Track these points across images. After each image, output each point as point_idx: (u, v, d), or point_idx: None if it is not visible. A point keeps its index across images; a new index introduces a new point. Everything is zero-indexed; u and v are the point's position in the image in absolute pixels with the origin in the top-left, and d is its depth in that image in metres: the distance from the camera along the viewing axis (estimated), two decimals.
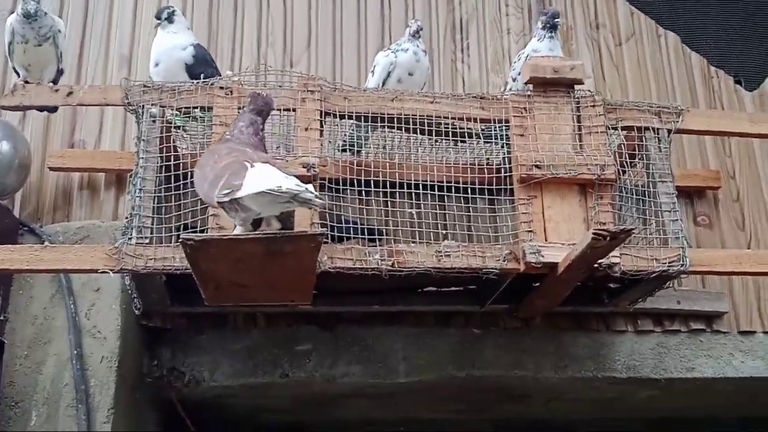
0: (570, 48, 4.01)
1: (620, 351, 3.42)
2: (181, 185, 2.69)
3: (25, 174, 3.27)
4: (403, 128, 2.96)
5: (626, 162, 2.99)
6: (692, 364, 3.45)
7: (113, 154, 3.44)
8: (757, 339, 3.54)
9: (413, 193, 2.88)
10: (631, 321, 3.45)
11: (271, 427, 4.05)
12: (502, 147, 3.00)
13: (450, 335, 3.34)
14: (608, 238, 2.43)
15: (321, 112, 2.84)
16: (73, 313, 2.96)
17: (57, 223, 3.29)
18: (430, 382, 3.32)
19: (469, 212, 2.99)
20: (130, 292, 2.88)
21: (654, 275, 2.80)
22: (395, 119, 2.91)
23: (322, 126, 2.86)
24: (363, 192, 2.85)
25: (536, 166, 2.82)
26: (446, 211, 2.97)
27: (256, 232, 2.31)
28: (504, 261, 2.75)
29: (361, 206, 2.85)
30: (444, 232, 2.95)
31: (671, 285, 3.02)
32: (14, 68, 3.29)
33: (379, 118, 2.92)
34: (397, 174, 2.88)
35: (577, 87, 3.00)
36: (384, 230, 2.93)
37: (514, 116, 2.93)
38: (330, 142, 3.10)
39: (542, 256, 2.72)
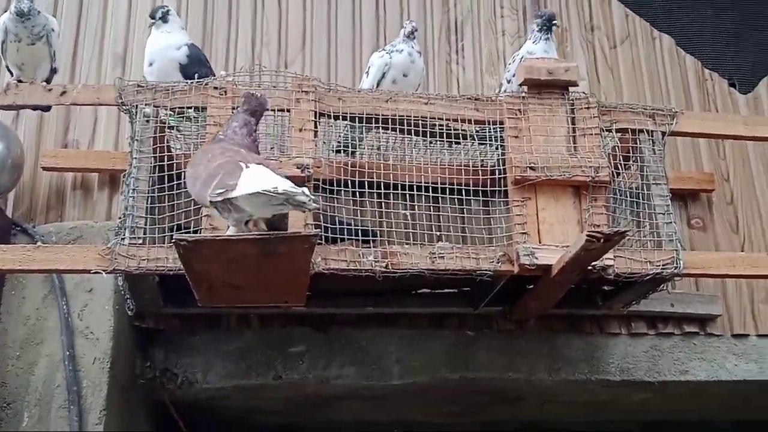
0: (565, 50, 4.02)
1: (614, 353, 3.42)
2: (175, 185, 2.68)
3: (18, 174, 3.26)
4: (398, 129, 2.96)
5: (620, 164, 3.00)
6: (686, 367, 3.45)
7: (107, 154, 3.43)
8: (750, 342, 3.54)
9: (407, 195, 2.87)
10: (625, 324, 3.45)
11: (264, 429, 4.04)
12: (497, 148, 3.00)
13: (444, 337, 3.34)
14: (602, 241, 2.43)
15: (315, 112, 2.84)
16: (65, 314, 2.95)
17: (50, 223, 3.28)
18: (424, 384, 3.31)
19: (464, 214, 2.98)
20: (123, 292, 2.87)
21: (648, 278, 2.80)
22: (390, 120, 2.91)
23: (316, 127, 2.85)
24: (357, 193, 2.85)
25: (530, 168, 2.82)
26: (440, 213, 2.97)
27: (250, 233, 2.30)
28: (498, 263, 2.75)
29: (355, 207, 2.84)
30: (438, 233, 2.95)
31: (665, 288, 3.02)
32: (7, 67, 3.27)
33: (373, 119, 2.92)
34: (391, 175, 2.88)
35: (571, 89, 3.00)
36: (378, 232, 2.92)
37: (508, 118, 2.93)
38: (324, 143, 3.09)
39: (536, 258, 2.72)
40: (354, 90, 3.05)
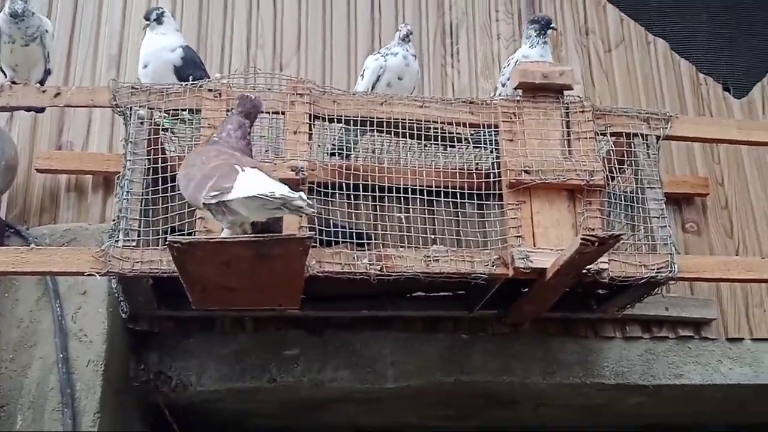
0: (560, 54, 4.02)
1: (608, 357, 3.42)
2: (169, 188, 2.68)
3: (11, 176, 3.25)
4: (393, 132, 2.96)
5: (615, 168, 3.00)
6: (680, 370, 3.45)
7: (101, 156, 3.42)
8: (745, 346, 3.55)
9: (402, 198, 2.87)
10: (620, 327, 3.45)
11: None
12: (492, 152, 3.00)
13: (438, 340, 3.34)
14: (596, 244, 2.44)
15: (310, 115, 2.84)
16: (59, 317, 2.94)
17: (44, 225, 3.27)
18: (419, 387, 3.31)
19: (458, 217, 2.98)
20: (116, 295, 2.86)
21: (642, 281, 2.80)
22: (384, 123, 2.91)
23: (311, 129, 2.85)
24: (352, 196, 2.84)
25: (525, 172, 2.82)
26: (435, 216, 2.97)
27: (244, 236, 2.29)
28: (493, 266, 2.75)
29: (349, 210, 2.84)
30: (433, 236, 2.95)
31: (659, 291, 3.03)
32: (1, 68, 3.27)
33: (368, 122, 2.92)
34: (386, 178, 2.88)
35: (566, 93, 3.00)
36: (373, 235, 2.92)
37: (503, 121, 2.93)
38: (319, 145, 3.09)
39: (531, 262, 2.72)
40: (349, 93, 3.05)
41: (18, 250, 2.66)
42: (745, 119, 4.04)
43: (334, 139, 3.18)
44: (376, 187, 2.86)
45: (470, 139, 3.07)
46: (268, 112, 2.85)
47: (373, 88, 3.28)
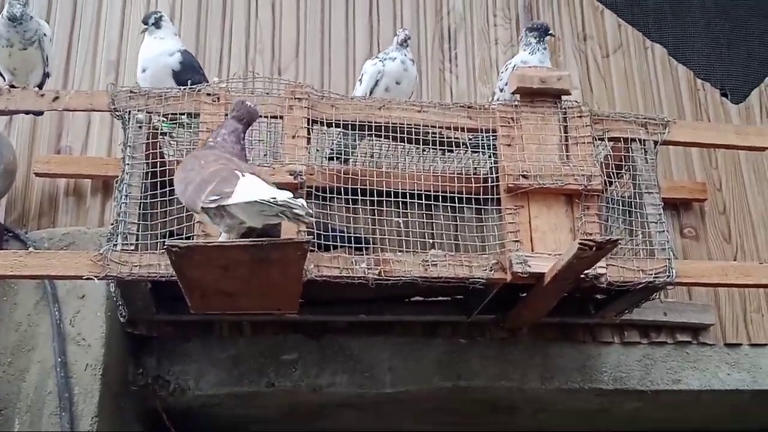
0: (557, 59, 4.02)
1: (607, 362, 3.41)
2: (168, 192, 2.67)
3: (10, 180, 3.25)
4: (391, 137, 2.96)
5: (613, 173, 3.00)
6: (678, 376, 3.45)
7: (99, 161, 3.42)
8: (743, 351, 3.55)
9: (400, 202, 2.87)
10: (618, 332, 3.45)
11: None
12: (490, 157, 3.01)
13: (436, 345, 3.33)
14: (594, 249, 2.43)
15: (308, 119, 2.84)
16: (57, 320, 2.93)
17: (42, 229, 3.27)
18: (417, 392, 3.31)
19: (457, 222, 2.99)
20: (115, 299, 2.86)
21: (640, 286, 2.80)
22: (382, 128, 2.91)
23: (309, 134, 2.86)
24: (350, 200, 2.84)
25: (523, 176, 2.82)
26: (433, 221, 2.97)
27: (242, 240, 2.29)
28: (491, 271, 2.75)
29: (348, 215, 2.84)
30: (431, 241, 2.95)
31: (658, 296, 3.03)
32: None
33: (366, 127, 2.92)
34: (384, 183, 2.88)
35: (564, 98, 3.00)
36: (371, 239, 2.92)
37: (501, 126, 2.93)
38: (318, 150, 3.09)
39: (529, 266, 2.72)
40: (347, 97, 3.05)
41: (16, 254, 2.66)
42: (743, 124, 4.04)
43: (333, 143, 3.18)
44: (375, 191, 2.86)
45: (468, 144, 3.07)
46: (267, 117, 2.85)
47: (371, 92, 3.28)
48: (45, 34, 3.23)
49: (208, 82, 3.08)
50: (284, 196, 2.13)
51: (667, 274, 2.80)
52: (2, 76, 3.26)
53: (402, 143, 3.01)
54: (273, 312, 2.90)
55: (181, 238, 2.53)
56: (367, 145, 3.18)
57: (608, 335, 3.44)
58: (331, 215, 2.85)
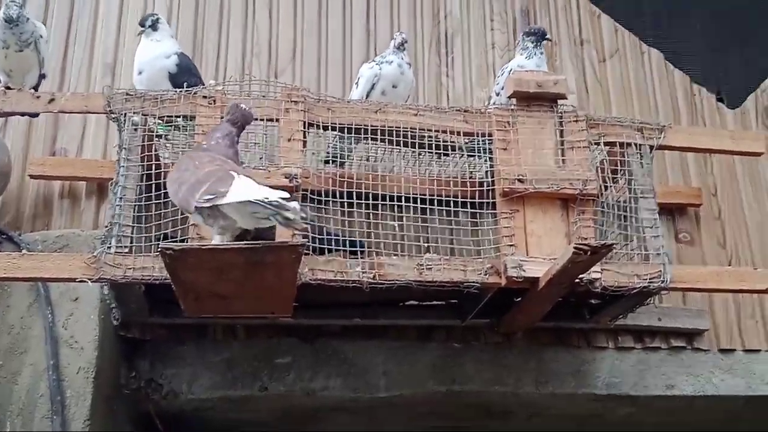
0: (554, 64, 4.02)
1: (601, 367, 3.41)
2: (162, 194, 2.66)
3: (5, 182, 3.24)
4: (387, 140, 2.96)
5: (608, 177, 3.00)
6: (672, 381, 3.45)
7: (95, 163, 3.42)
8: (737, 357, 3.54)
9: (396, 206, 2.87)
10: (612, 337, 3.44)
11: None
12: (485, 161, 3.01)
13: (431, 349, 3.33)
14: (589, 253, 2.44)
15: (304, 123, 2.84)
16: (50, 323, 2.92)
17: (36, 231, 3.25)
18: (411, 396, 3.30)
19: (452, 226, 2.98)
20: (108, 302, 2.86)
21: (635, 291, 2.80)
22: (379, 131, 2.91)
23: (305, 137, 2.85)
24: (345, 204, 2.84)
25: (519, 180, 2.82)
26: (429, 225, 2.96)
27: (237, 242, 2.29)
28: (485, 275, 2.74)
29: (343, 218, 2.83)
30: (426, 245, 2.95)
31: (652, 301, 3.03)
32: None
33: (362, 130, 2.92)
34: (380, 186, 2.88)
35: (560, 102, 3.01)
36: (366, 243, 2.91)
37: (497, 130, 2.93)
38: (314, 153, 3.09)
39: (524, 271, 2.72)
40: (343, 101, 3.05)
41: (10, 256, 2.65)
42: (739, 130, 4.04)
43: (329, 146, 3.18)
44: (370, 195, 2.86)
45: (464, 148, 3.07)
46: (263, 120, 2.85)
47: (367, 96, 3.28)
48: (41, 36, 3.23)
49: (204, 84, 3.08)
50: (277, 195, 2.13)
51: (662, 279, 2.80)
52: None
53: (398, 147, 3.01)
54: (267, 315, 2.90)
55: (176, 241, 2.52)
56: (363, 149, 3.18)
57: (603, 340, 3.43)
58: (326, 219, 2.85)
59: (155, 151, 2.85)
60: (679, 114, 4.08)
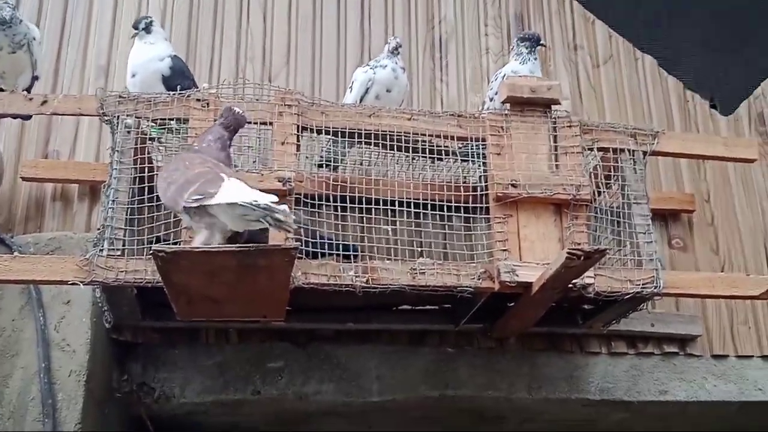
0: (548, 69, 4.03)
1: (594, 373, 3.41)
2: (155, 197, 2.66)
3: None
4: (381, 145, 2.96)
5: (602, 183, 3.01)
6: (665, 387, 3.45)
7: (87, 166, 3.40)
8: (729, 363, 3.55)
9: (389, 210, 2.87)
10: (605, 343, 3.45)
11: None
12: (479, 166, 3.01)
13: (424, 354, 3.32)
14: (582, 258, 2.44)
15: (298, 126, 2.84)
16: (42, 326, 2.91)
17: (28, 233, 3.24)
18: (404, 401, 3.30)
19: (445, 230, 2.97)
20: (100, 305, 2.85)
21: (628, 296, 2.80)
22: (372, 135, 2.91)
23: (298, 140, 2.85)
24: (339, 208, 2.84)
25: (512, 185, 2.83)
26: (422, 229, 2.96)
27: (229, 245, 2.29)
28: (479, 280, 2.74)
29: (337, 222, 2.83)
30: (419, 249, 2.94)
31: (645, 307, 3.03)
32: None
33: (356, 134, 2.92)
34: (373, 191, 2.88)
35: (554, 107, 3.01)
36: (359, 247, 2.91)
37: (491, 135, 2.94)
38: (307, 157, 3.09)
39: (517, 276, 2.72)
40: (337, 104, 3.05)
41: (1, 258, 2.63)
42: (732, 136, 4.05)
43: (323, 150, 3.17)
44: (364, 199, 2.86)
45: (458, 153, 3.07)
46: (256, 123, 2.84)
47: (361, 100, 3.29)
48: (34, 38, 3.22)
49: (197, 87, 3.07)
50: (267, 199, 2.13)
51: (655, 284, 2.81)
52: None
53: (392, 151, 3.01)
54: (260, 319, 2.90)
55: (168, 244, 2.52)
56: (356, 153, 3.18)
57: (596, 345, 3.44)
58: (319, 222, 2.84)
59: (148, 154, 2.84)
60: (673, 120, 4.09)
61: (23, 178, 3.34)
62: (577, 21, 4.24)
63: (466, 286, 2.73)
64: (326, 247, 2.74)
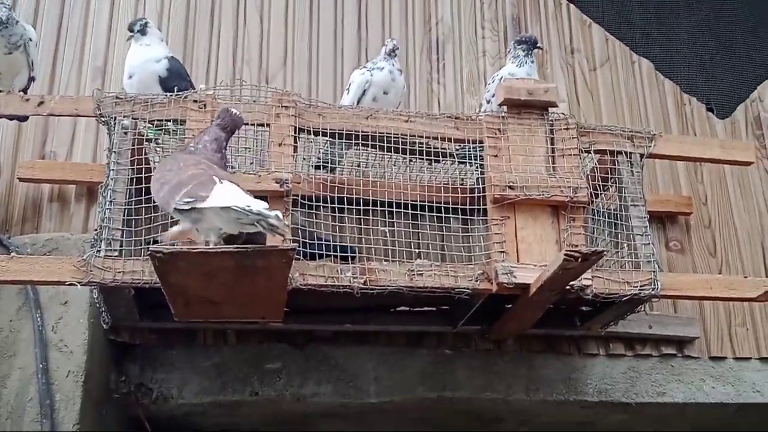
0: (545, 72, 4.04)
1: (591, 374, 3.42)
2: (152, 198, 2.66)
3: None
4: (378, 146, 2.96)
5: (599, 185, 3.01)
6: (663, 389, 3.46)
7: (84, 166, 3.40)
8: (727, 365, 3.56)
9: (387, 212, 2.87)
10: (603, 344, 3.45)
11: None
12: (476, 167, 3.01)
13: (422, 356, 3.32)
14: (580, 260, 2.44)
15: (295, 128, 2.84)
16: (39, 327, 2.90)
17: (25, 234, 3.24)
18: (401, 402, 3.30)
19: (443, 232, 2.98)
20: (98, 305, 2.84)
21: (626, 298, 2.81)
22: (370, 137, 2.91)
23: (296, 142, 2.85)
24: (336, 209, 2.84)
25: (509, 187, 2.83)
26: (420, 231, 2.96)
27: (227, 246, 2.29)
28: (476, 281, 2.74)
29: (334, 224, 2.83)
30: (417, 251, 2.95)
31: (643, 309, 3.03)
32: None
33: (353, 136, 2.92)
34: (370, 192, 2.88)
35: (551, 110, 3.01)
36: (357, 248, 2.91)
37: (488, 137, 2.94)
38: (304, 158, 3.09)
39: (514, 277, 2.72)
40: (334, 106, 3.06)
41: None
42: (729, 139, 4.06)
43: (320, 152, 3.17)
44: (361, 201, 2.86)
45: (455, 155, 3.07)
46: (253, 124, 2.85)
47: (358, 102, 3.29)
48: (31, 39, 3.22)
49: (194, 89, 3.07)
50: (259, 206, 2.13)
51: (652, 286, 2.81)
52: None
53: (389, 153, 3.01)
54: (257, 320, 2.90)
55: (166, 245, 2.51)
56: (353, 155, 3.18)
57: (593, 347, 3.44)
58: (317, 224, 2.84)
59: (145, 155, 2.84)
60: (670, 123, 4.09)
61: (20, 179, 3.34)
62: (574, 24, 4.24)
63: (464, 288, 2.73)
64: (324, 248, 2.74)
